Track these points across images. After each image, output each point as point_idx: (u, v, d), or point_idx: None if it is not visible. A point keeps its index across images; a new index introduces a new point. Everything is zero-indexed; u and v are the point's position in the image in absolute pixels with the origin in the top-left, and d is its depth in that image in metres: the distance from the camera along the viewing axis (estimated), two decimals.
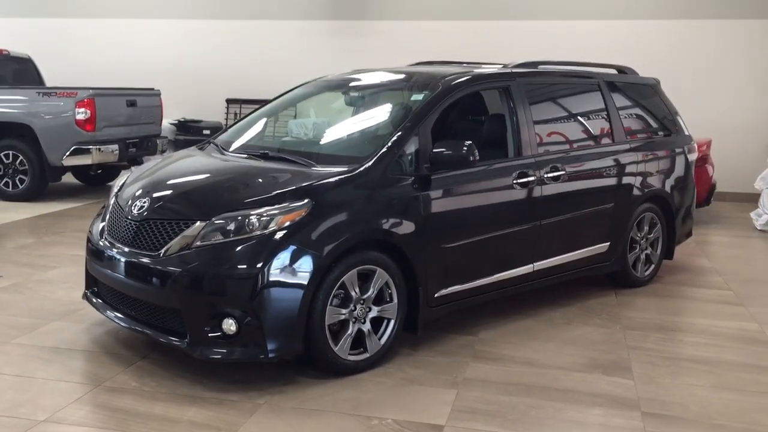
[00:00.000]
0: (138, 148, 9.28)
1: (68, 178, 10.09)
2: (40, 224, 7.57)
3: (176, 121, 11.16)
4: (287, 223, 3.54)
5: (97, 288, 4.20)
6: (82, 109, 8.55)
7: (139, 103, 9.50)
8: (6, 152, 8.79)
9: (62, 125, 8.59)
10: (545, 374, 3.87)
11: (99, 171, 9.97)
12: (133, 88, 9.83)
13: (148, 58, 11.97)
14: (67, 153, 8.59)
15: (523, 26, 10.64)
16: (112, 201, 4.24)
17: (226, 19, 11.76)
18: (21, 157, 8.75)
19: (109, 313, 4.00)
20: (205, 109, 11.59)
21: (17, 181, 8.82)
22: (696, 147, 6.22)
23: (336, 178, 3.80)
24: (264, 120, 4.99)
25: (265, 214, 3.55)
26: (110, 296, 4.04)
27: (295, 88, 5.24)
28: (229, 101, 11.36)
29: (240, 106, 11.09)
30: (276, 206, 3.58)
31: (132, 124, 9.38)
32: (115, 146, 8.88)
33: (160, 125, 10.12)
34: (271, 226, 3.53)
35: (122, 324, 3.89)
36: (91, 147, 8.63)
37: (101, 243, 4.01)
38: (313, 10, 11.46)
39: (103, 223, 4.15)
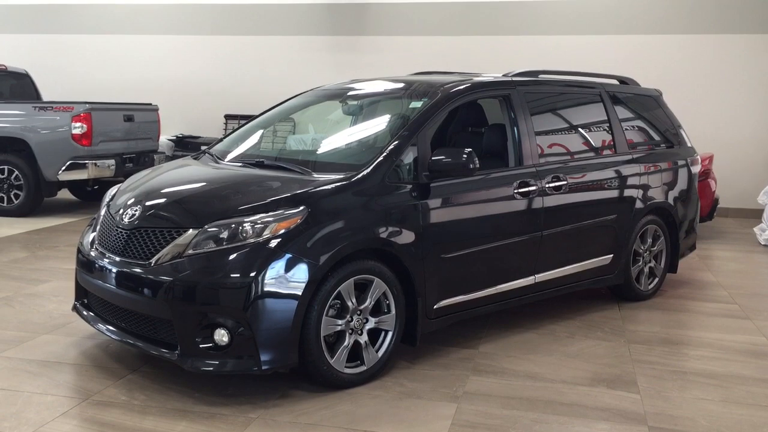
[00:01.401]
0: (135, 164, 9.19)
1: (64, 195, 10.03)
2: (34, 239, 7.47)
3: (174, 137, 11.10)
4: (282, 231, 3.44)
5: (87, 300, 4.09)
6: (79, 124, 8.48)
7: (137, 118, 9.44)
8: (1, 167, 8.72)
9: (58, 140, 8.53)
10: (548, 388, 3.75)
11: (95, 186, 9.91)
12: (130, 103, 9.78)
13: (147, 74, 11.96)
14: (63, 168, 8.51)
15: (523, 41, 10.62)
16: (102, 211, 4.15)
17: (225, 34, 11.75)
18: (16, 172, 8.67)
19: (99, 325, 3.88)
20: (203, 125, 11.55)
21: (12, 196, 8.73)
22: (699, 159, 6.14)
23: (332, 185, 3.70)
24: (261, 130, 4.91)
25: (259, 222, 3.45)
26: (100, 308, 3.93)
27: (293, 97, 5.17)
28: (227, 117, 11.31)
29: (238, 122, 11.02)
30: (270, 213, 3.48)
31: (129, 139, 9.32)
32: (112, 161, 8.80)
33: (158, 141, 10.06)
34: (265, 233, 3.43)
35: (113, 336, 3.77)
36: (87, 162, 8.55)
37: (92, 253, 3.91)
38: (311, 26, 11.45)
39: (94, 234, 4.05)
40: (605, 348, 4.41)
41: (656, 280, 5.58)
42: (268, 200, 3.57)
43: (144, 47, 12.05)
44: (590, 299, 5.39)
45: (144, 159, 9.46)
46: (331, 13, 11.41)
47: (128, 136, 9.31)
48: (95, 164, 8.61)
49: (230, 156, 4.53)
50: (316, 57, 11.35)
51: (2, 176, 8.71)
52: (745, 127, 10.20)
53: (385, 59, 10.94)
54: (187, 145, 10.82)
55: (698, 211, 6.07)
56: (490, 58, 10.43)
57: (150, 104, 9.93)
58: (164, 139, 10.72)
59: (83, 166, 8.55)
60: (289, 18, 11.52)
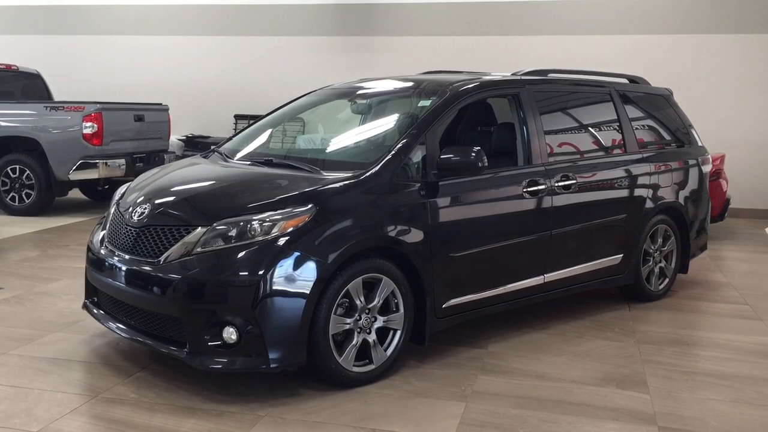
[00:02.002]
0: (145, 163, 9.22)
1: (75, 194, 10.08)
2: (45, 238, 7.52)
3: (184, 137, 11.14)
4: (290, 229, 3.44)
5: (97, 298, 4.11)
6: (90, 124, 8.53)
7: (147, 118, 9.48)
8: (13, 166, 8.77)
9: (69, 139, 8.57)
10: (557, 387, 3.74)
11: (106, 186, 9.95)
12: (140, 102, 9.83)
13: (158, 74, 12.01)
14: (74, 167, 8.56)
15: (533, 42, 10.59)
16: (112, 209, 4.16)
17: (235, 35, 11.78)
18: (28, 172, 8.72)
19: (109, 323, 3.89)
20: (213, 124, 11.59)
21: (23, 196, 8.78)
22: (710, 159, 6.10)
23: (341, 183, 3.70)
24: (270, 129, 4.92)
25: (267, 220, 3.46)
26: (110, 306, 3.94)
27: (302, 96, 5.17)
28: (237, 117, 11.34)
29: (248, 122, 11.03)
30: (279, 211, 3.49)
31: (139, 139, 9.37)
32: (122, 161, 8.84)
33: (168, 140, 10.10)
34: (273, 231, 3.43)
35: (123, 334, 3.79)
36: (98, 161, 8.60)
37: (101, 251, 3.92)
38: (321, 27, 11.47)
39: (104, 232, 4.07)
40: (615, 348, 4.39)
41: (667, 280, 5.54)
42: (277, 198, 3.58)
43: (155, 48, 12.10)
44: (600, 300, 5.37)
45: (154, 159, 9.49)
46: (341, 13, 11.42)
47: (139, 135, 9.35)
48: (106, 164, 8.66)
49: (239, 155, 4.54)
50: (326, 57, 11.36)
51: (14, 176, 8.77)
52: (757, 128, 10.12)
53: (395, 59, 10.94)
54: (197, 145, 10.85)
55: (709, 211, 6.02)
56: (501, 59, 10.38)
57: (160, 104, 9.97)
58: (174, 138, 10.76)
59: (94, 166, 8.60)
60: (299, 18, 11.54)
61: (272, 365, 3.37)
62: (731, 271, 6.68)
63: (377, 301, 3.67)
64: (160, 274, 3.49)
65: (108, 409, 3.36)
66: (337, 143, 4.71)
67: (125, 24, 12.25)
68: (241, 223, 3.46)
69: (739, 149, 9.84)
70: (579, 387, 3.75)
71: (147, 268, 3.56)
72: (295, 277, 3.37)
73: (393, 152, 3.87)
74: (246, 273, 3.36)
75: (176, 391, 3.57)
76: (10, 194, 8.80)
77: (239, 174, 4.12)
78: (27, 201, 8.78)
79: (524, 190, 4.38)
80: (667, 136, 5.78)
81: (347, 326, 3.58)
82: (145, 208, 3.77)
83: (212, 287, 3.39)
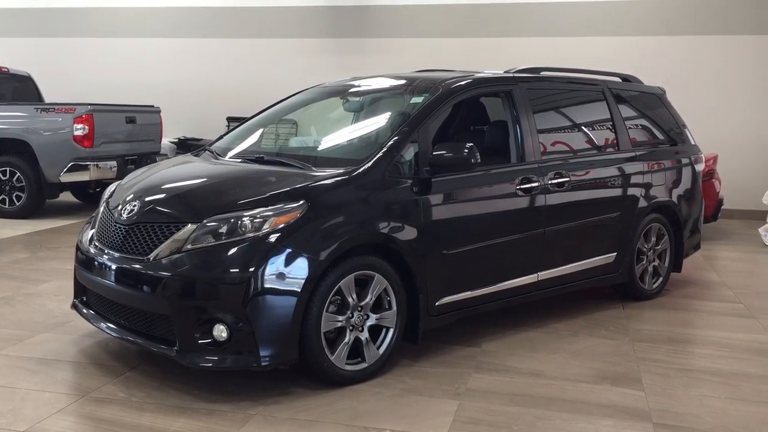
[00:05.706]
0: (137, 165, 9.16)
1: (67, 197, 10.01)
2: (35, 240, 7.45)
3: (176, 140, 11.09)
4: (281, 225, 3.40)
5: (86, 297, 4.06)
6: (81, 125, 8.46)
7: (139, 120, 9.42)
8: (3, 169, 8.69)
9: (60, 141, 8.49)
10: (551, 385, 3.71)
11: (98, 188, 9.88)
12: (132, 104, 9.77)
13: (150, 76, 11.96)
14: (65, 169, 8.48)
15: (526, 43, 10.59)
16: (101, 208, 4.12)
17: (227, 37, 11.76)
18: (18, 174, 8.63)
19: (99, 323, 3.84)
20: (205, 127, 11.53)
21: (14, 198, 8.70)
22: (703, 158, 6.09)
23: (332, 179, 3.66)
24: (261, 128, 4.89)
25: (258, 216, 3.42)
26: (99, 305, 3.89)
27: (294, 95, 5.14)
28: (229, 119, 11.28)
29: (241, 125, 10.99)
30: (270, 207, 3.45)
31: (131, 141, 9.31)
32: (114, 163, 8.78)
33: (160, 143, 10.05)
34: (264, 228, 3.39)
35: (112, 334, 3.74)
36: (89, 163, 8.53)
37: (91, 250, 3.88)
38: (314, 29, 11.45)
39: (93, 230, 4.02)
40: (609, 346, 4.36)
41: (661, 279, 5.52)
42: (268, 194, 3.54)
43: (147, 50, 12.05)
44: (594, 298, 5.35)
45: (146, 161, 9.41)
46: (334, 15, 11.41)
47: (130, 137, 9.29)
48: (97, 166, 8.60)
49: (230, 153, 4.50)
50: (319, 59, 11.33)
51: (4, 178, 8.69)
52: (750, 129, 10.14)
53: (388, 61, 10.87)
54: (190, 148, 10.79)
55: (702, 210, 6.01)
56: (494, 61, 10.28)
57: (152, 106, 9.92)
58: (166, 141, 10.70)
59: (85, 168, 8.53)
60: (292, 21, 11.51)
61: (263, 363, 3.33)
62: (725, 270, 6.67)
63: (370, 299, 3.63)
64: (150, 272, 3.44)
65: (96, 409, 3.31)
66: (329, 141, 4.68)
67: (117, 26, 12.20)
68: (232, 220, 3.42)
69: (732, 150, 9.85)
70: (573, 384, 3.72)
71: (136, 265, 3.52)
72: (286, 274, 3.33)
73: (385, 149, 3.84)
74: (237, 270, 3.31)
75: (166, 390, 3.52)
76: (0, 196, 8.71)
77: (230, 171, 4.08)
78: (17, 203, 8.70)
79: (517, 187, 4.35)
80: (660, 135, 5.77)
81: (339, 324, 3.54)
82: (135, 206, 3.73)
83: (202, 284, 3.35)
